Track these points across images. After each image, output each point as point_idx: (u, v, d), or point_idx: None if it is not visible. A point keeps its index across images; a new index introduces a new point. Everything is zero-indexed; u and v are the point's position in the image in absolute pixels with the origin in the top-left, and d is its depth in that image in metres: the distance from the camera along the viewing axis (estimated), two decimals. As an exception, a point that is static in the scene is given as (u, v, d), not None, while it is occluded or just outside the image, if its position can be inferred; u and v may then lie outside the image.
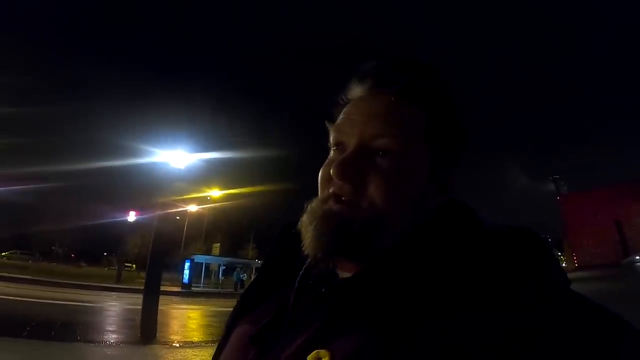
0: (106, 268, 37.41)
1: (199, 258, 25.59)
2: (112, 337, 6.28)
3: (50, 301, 9.88)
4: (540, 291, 0.36)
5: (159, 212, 7.27)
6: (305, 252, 0.45)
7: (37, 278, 15.49)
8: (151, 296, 6.45)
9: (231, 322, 0.55)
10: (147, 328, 6.14)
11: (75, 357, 4.79)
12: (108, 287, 17.04)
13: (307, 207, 0.47)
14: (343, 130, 0.48)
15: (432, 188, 0.47)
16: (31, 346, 4.91)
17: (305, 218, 0.46)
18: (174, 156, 8.37)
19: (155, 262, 7.00)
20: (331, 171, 0.44)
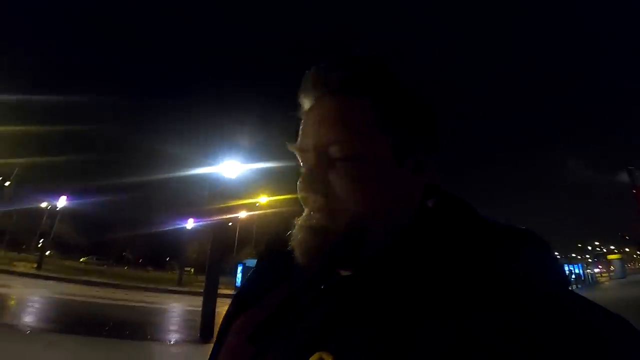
0: (169, 272, 40.33)
1: (250, 262, 26.65)
2: (175, 337, 6.90)
3: (123, 303, 11.02)
4: (538, 292, 0.36)
5: (213, 219, 7.83)
6: (299, 266, 0.46)
7: (112, 282, 17.17)
8: (209, 298, 6.92)
9: (227, 321, 0.53)
10: (206, 328, 6.62)
11: (145, 354, 5.35)
12: (171, 290, 18.45)
13: (295, 223, 0.48)
14: (301, 147, 0.48)
15: (403, 171, 0.46)
16: (108, 344, 5.55)
17: (294, 234, 0.47)
18: (226, 167, 8.97)
19: (213, 266, 7.48)
20: (298, 186, 0.46)
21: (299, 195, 0.47)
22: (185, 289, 20.15)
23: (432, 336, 0.34)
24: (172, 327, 8.11)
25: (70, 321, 6.74)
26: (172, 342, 6.33)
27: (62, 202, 24.82)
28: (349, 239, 0.43)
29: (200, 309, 6.87)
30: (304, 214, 0.47)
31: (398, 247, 0.43)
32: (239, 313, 0.52)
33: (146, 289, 17.23)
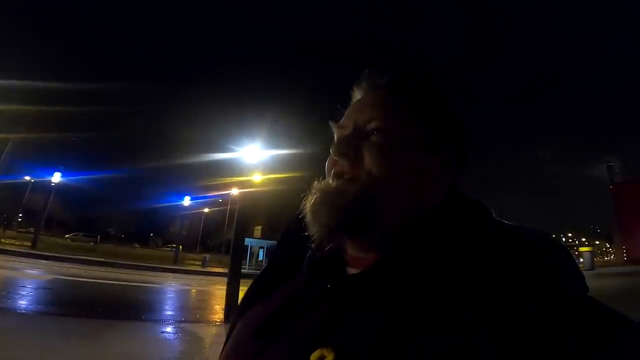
0: (157, 249, 40.16)
1: (246, 241, 26.51)
2: (198, 317, 7.12)
3: (129, 283, 11.01)
4: (551, 296, 0.36)
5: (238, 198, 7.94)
6: (310, 232, 0.47)
7: (115, 261, 16.99)
8: (234, 280, 7.15)
9: (239, 315, 0.55)
10: (230, 309, 6.84)
11: (180, 334, 5.55)
12: (167, 269, 18.53)
13: (310, 188, 0.50)
14: (342, 124, 0.53)
15: (431, 163, 0.49)
16: (145, 326, 5.75)
17: (308, 198, 0.49)
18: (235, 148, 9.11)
19: (237, 249, 7.69)
20: (331, 150, 0.49)
21: (326, 166, 0.51)
22: (182, 267, 20.33)
23: (438, 336, 0.34)
24: (195, 308, 8.36)
25: (106, 304, 6.84)
26: (195, 323, 6.55)
27: (56, 178, 24.11)
28: (361, 206, 0.44)
29: (210, 289, 6.90)
30: (324, 181, 0.50)
31: (406, 247, 0.43)
32: (251, 305, 0.54)
33: (147, 268, 17.32)
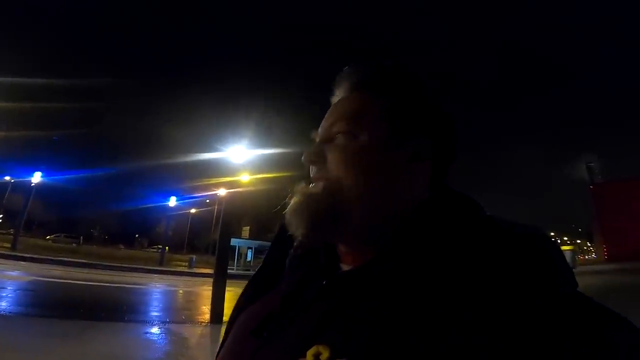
0: (142, 250, 39.46)
1: (233, 241, 26.36)
2: (184, 318, 7.06)
3: (113, 285, 10.82)
4: (545, 292, 0.36)
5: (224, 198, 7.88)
6: (292, 234, 0.49)
7: (99, 263, 16.72)
8: (220, 280, 7.05)
9: (235, 315, 0.55)
10: (215, 309, 6.75)
11: (163, 335, 5.47)
12: (157, 270, 18.35)
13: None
14: (316, 132, 0.54)
15: (398, 155, 0.49)
16: (127, 327, 5.65)
17: (290, 201, 0.51)
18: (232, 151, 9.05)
19: (223, 249, 7.61)
20: (302, 158, 0.52)
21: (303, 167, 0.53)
22: (168, 268, 20.10)
23: (432, 332, 0.34)
24: (181, 309, 8.34)
25: (86, 305, 6.72)
26: (182, 324, 6.49)
27: (37, 178, 23.44)
28: (327, 207, 0.46)
29: (197, 290, 6.85)
30: (303, 185, 0.51)
31: (396, 242, 0.44)
32: (248, 304, 0.55)
33: (132, 269, 17.04)
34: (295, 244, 0.51)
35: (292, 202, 0.50)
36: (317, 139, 0.53)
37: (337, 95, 0.56)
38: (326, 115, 0.55)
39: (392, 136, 0.49)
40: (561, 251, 0.43)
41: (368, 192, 0.47)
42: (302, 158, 0.52)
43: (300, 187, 0.51)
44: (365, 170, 0.47)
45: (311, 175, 0.51)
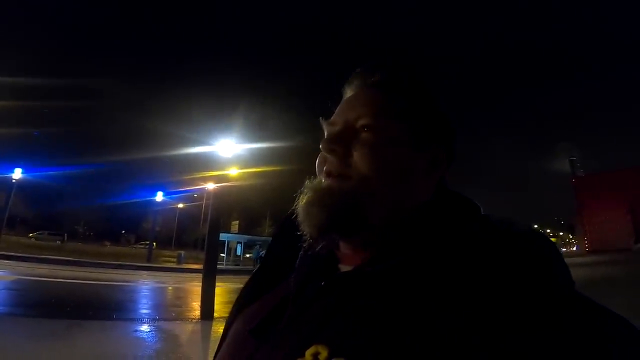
0: (128, 247, 38.92)
1: (222, 236, 26.10)
2: (174, 315, 6.94)
3: (100, 283, 10.66)
4: (543, 292, 0.36)
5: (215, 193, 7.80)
6: (302, 231, 0.48)
7: (87, 260, 16.39)
8: (209, 277, 6.96)
9: (234, 314, 0.55)
10: (206, 306, 6.64)
11: (153, 331, 5.42)
12: (141, 267, 18.07)
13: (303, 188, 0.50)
14: (332, 121, 0.53)
15: (420, 160, 0.49)
16: (119, 325, 5.57)
17: (300, 198, 0.49)
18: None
19: (212, 245, 7.55)
20: (320, 146, 0.49)
21: (317, 164, 0.52)
22: (156, 265, 19.84)
23: (430, 332, 0.34)
24: (179, 306, 8.22)
25: (80, 305, 6.61)
26: (173, 321, 6.45)
27: (17, 174, 22.77)
28: (351, 204, 0.45)
29: (187, 286, 6.78)
30: (316, 180, 0.50)
31: (399, 243, 0.44)
32: (247, 303, 0.54)
33: (119, 266, 16.75)
34: (306, 243, 0.50)
35: (305, 197, 0.48)
36: (338, 128, 0.51)
37: (356, 89, 0.56)
38: (345, 105, 0.54)
39: (417, 140, 0.50)
40: (559, 251, 0.43)
41: (393, 193, 0.47)
42: (322, 145, 0.49)
43: (315, 182, 0.49)
44: (393, 170, 0.47)
45: (327, 168, 0.49)
